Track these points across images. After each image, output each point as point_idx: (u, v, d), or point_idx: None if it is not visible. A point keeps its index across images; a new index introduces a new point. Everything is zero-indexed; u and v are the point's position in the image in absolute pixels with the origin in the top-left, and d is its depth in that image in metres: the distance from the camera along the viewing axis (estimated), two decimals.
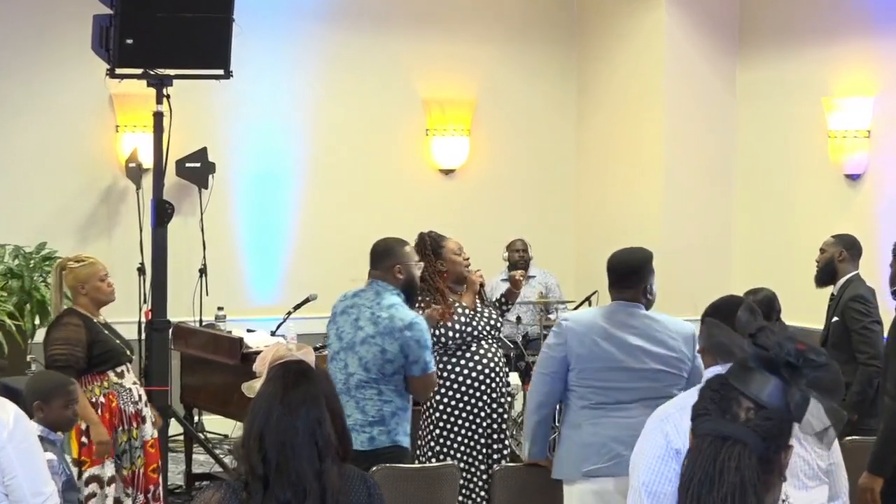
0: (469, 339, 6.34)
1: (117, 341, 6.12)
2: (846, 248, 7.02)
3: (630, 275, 4.96)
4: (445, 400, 6.31)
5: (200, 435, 8.36)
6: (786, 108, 9.53)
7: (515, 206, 10.47)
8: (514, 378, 8.62)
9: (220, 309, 8.55)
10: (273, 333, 7.96)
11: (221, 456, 7.90)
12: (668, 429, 3.14)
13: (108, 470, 5.90)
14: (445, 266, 6.39)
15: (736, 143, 10.00)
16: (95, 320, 6.07)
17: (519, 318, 9.22)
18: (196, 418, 8.80)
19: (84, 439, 5.87)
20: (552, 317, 9.39)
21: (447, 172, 10.34)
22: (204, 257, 9.11)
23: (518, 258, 9.61)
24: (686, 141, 9.89)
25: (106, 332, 6.09)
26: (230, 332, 8.01)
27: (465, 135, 10.30)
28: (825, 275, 7.04)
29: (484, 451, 6.37)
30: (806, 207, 9.36)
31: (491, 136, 10.47)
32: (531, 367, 8.58)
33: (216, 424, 8.93)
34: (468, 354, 6.32)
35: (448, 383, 6.30)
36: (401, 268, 5.46)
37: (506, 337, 9.02)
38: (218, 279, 9.16)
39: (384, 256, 5.49)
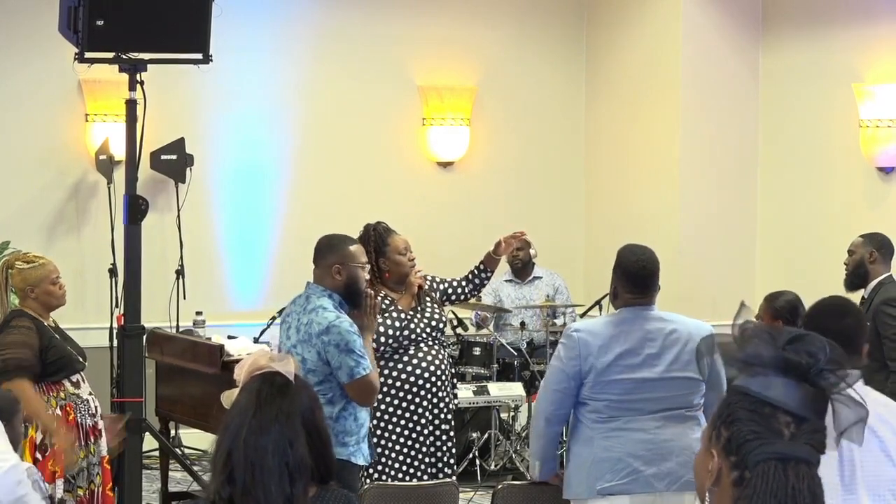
0: (406, 342, 6.35)
1: (69, 347, 6.14)
2: (877, 249, 7.02)
3: (651, 278, 5.01)
4: (382, 407, 6.31)
5: (177, 450, 8.36)
6: (814, 95, 9.55)
7: (519, 202, 10.45)
8: (517, 389, 8.64)
9: (198, 314, 8.56)
10: (256, 340, 7.97)
11: (200, 473, 7.90)
12: None
13: (58, 491, 5.88)
14: (387, 265, 6.38)
15: (759, 133, 10.00)
16: (46, 324, 6.09)
17: (523, 324, 9.22)
18: (172, 432, 8.80)
19: (38, 455, 5.87)
20: (559, 322, 9.39)
21: (445, 165, 10.34)
22: (181, 257, 9.11)
23: (513, 258, 9.59)
24: (705, 132, 9.89)
25: (58, 337, 6.11)
26: (209, 338, 8.01)
27: (465, 124, 10.29)
28: (855, 278, 7.05)
29: (426, 460, 6.38)
30: (835, 203, 9.37)
31: (493, 125, 10.45)
32: (537, 377, 8.59)
33: (194, 439, 8.93)
34: (405, 358, 6.34)
35: (385, 389, 6.29)
36: (340, 268, 5.41)
37: (509, 344, 9.03)
38: (196, 281, 9.16)
39: (325, 254, 5.46)
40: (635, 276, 4.99)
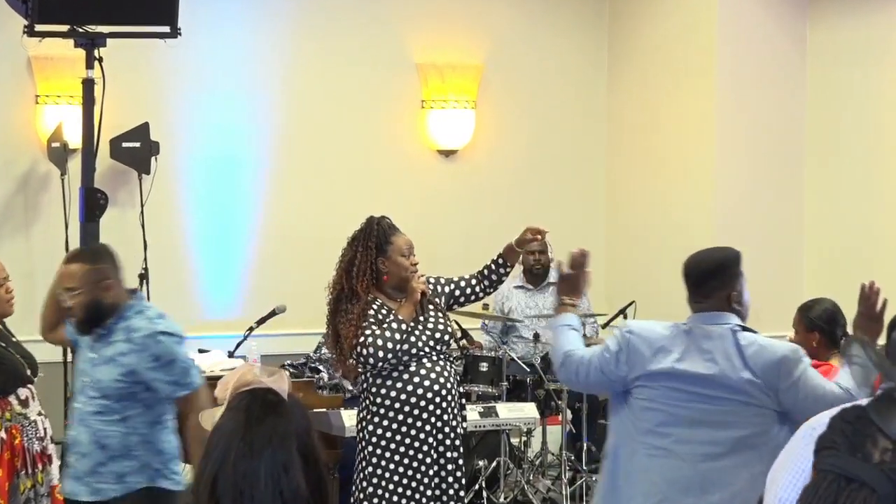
0: (406, 357, 6.26)
1: (16, 355, 6.16)
2: None
3: (707, 280, 4.93)
4: (380, 431, 6.26)
5: None
6: (869, 77, 9.60)
7: (530, 196, 10.44)
8: (530, 410, 8.58)
9: None
10: (231, 354, 8.03)
11: None
12: None
13: None
14: (387, 267, 6.30)
15: (806, 120, 10.07)
16: None
17: (536, 336, 9.18)
18: None
19: None
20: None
21: (447, 153, 10.36)
22: (145, 259, 9.08)
23: (533, 262, 9.63)
24: (744, 116, 9.91)
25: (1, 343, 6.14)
26: None
27: (470, 107, 10.32)
28: None
29: (428, 493, 6.30)
30: (893, 199, 9.31)
31: (501, 109, 10.48)
32: (552, 396, 8.54)
33: None
34: (405, 376, 6.27)
35: (383, 410, 6.26)
36: None
37: (520, 358, 8.96)
38: (163, 286, 9.09)
39: None
40: (685, 276, 4.99)
